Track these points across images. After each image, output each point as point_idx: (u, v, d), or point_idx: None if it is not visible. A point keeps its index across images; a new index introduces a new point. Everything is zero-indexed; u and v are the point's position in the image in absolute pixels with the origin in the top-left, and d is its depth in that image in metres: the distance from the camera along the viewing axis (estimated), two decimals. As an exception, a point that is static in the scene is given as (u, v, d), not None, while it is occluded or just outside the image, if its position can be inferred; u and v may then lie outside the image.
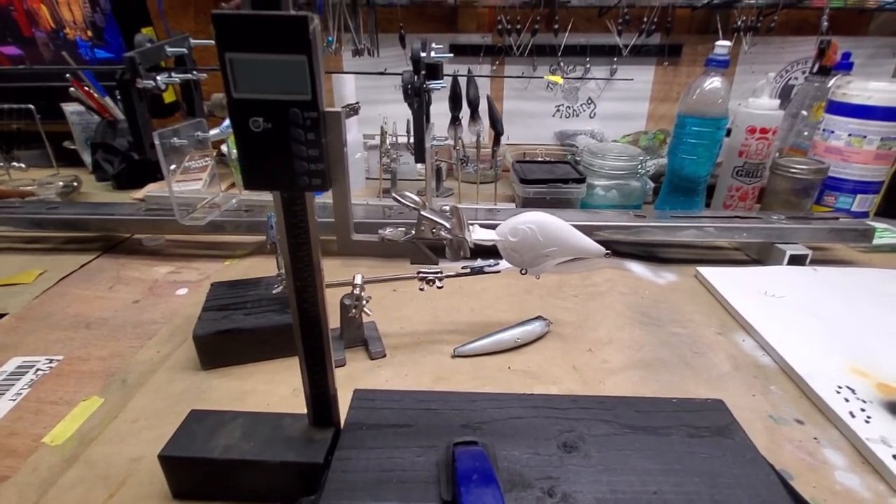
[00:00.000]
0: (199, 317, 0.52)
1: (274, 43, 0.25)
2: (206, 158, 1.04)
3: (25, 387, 0.50)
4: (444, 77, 0.67)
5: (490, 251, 0.46)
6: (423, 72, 0.64)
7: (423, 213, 0.37)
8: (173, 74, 0.65)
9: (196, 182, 1.00)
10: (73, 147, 1.15)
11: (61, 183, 0.98)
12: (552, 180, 0.87)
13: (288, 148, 0.27)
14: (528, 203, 0.88)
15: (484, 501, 0.27)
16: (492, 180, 1.00)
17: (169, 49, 0.64)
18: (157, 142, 0.61)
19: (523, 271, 0.43)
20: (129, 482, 0.39)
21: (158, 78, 0.63)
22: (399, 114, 0.95)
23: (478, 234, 0.40)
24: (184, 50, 0.66)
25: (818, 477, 0.40)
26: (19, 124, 1.14)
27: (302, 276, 0.32)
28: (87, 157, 1.14)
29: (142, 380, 0.50)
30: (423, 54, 0.64)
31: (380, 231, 0.37)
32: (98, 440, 0.43)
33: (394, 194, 0.35)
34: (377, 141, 0.99)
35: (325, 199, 0.30)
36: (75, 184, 1.00)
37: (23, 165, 1.15)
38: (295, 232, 0.31)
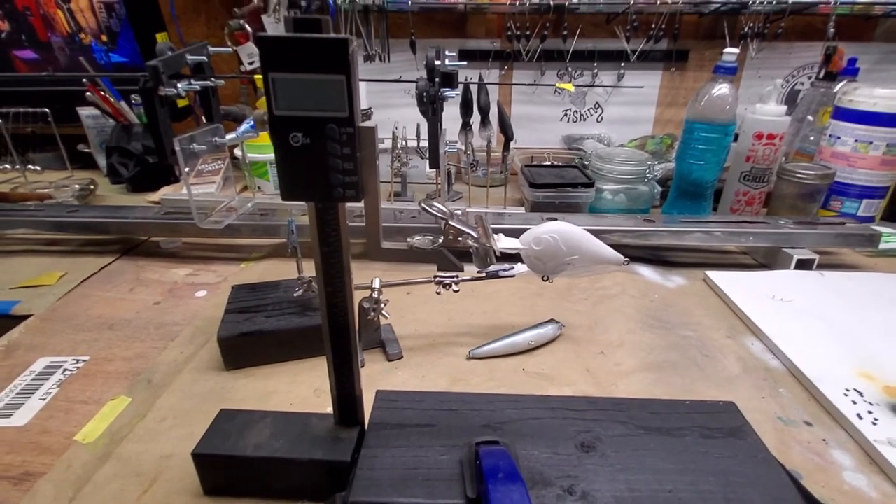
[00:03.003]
0: (223, 319, 0.54)
1: (315, 64, 0.26)
2: (219, 162, 1.06)
3: (54, 386, 0.51)
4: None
5: (506, 256, 0.47)
6: (438, 80, 0.65)
7: (450, 222, 0.38)
8: (193, 82, 0.67)
9: (209, 185, 1.02)
10: (87, 150, 1.17)
11: (78, 186, 1.00)
12: (561, 184, 0.88)
13: (325, 161, 0.29)
14: (538, 207, 0.89)
15: (511, 498, 0.28)
16: (500, 184, 1.02)
17: (189, 57, 0.66)
18: (177, 148, 0.63)
19: (545, 278, 0.44)
20: (161, 479, 0.40)
21: (179, 85, 0.64)
22: (408, 118, 0.96)
23: (503, 243, 0.42)
24: (203, 58, 0.68)
25: (827, 477, 0.41)
26: (34, 127, 1.16)
27: (333, 281, 0.34)
28: (101, 160, 1.16)
29: (167, 380, 0.52)
30: (437, 62, 0.65)
31: (408, 239, 0.39)
32: (129, 438, 0.44)
33: (422, 204, 0.36)
34: (386, 145, 1.00)
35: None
36: (92, 186, 1.02)
37: (38, 168, 1.16)
38: (328, 240, 0.32)
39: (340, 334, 0.36)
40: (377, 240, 0.35)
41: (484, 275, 0.55)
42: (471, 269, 0.51)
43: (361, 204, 0.34)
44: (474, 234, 0.39)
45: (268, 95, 0.27)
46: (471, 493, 0.32)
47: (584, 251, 0.43)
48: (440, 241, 0.39)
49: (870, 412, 0.46)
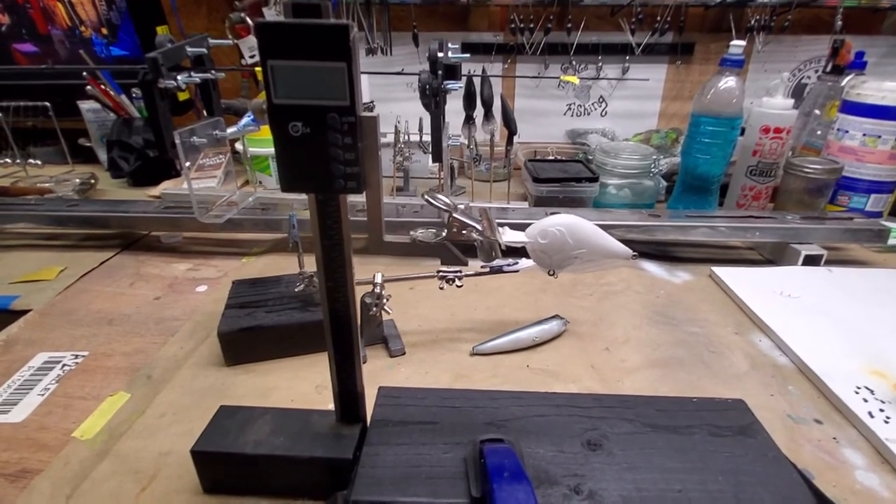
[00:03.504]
0: (223, 314, 0.53)
1: (315, 50, 0.25)
2: (220, 156, 1.05)
3: (53, 382, 0.51)
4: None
5: (511, 250, 0.47)
6: (441, 72, 0.64)
7: (454, 215, 0.37)
8: (193, 74, 0.66)
9: (210, 179, 1.01)
10: (88, 144, 1.16)
11: (78, 180, 0.99)
12: (565, 179, 0.87)
13: (325, 152, 0.28)
14: (541, 202, 0.88)
15: (516, 497, 0.28)
16: (503, 178, 1.01)
17: (189, 49, 0.65)
18: (177, 141, 0.62)
19: (551, 272, 0.44)
20: (159, 476, 0.40)
21: (179, 77, 0.64)
22: (411, 112, 0.95)
23: (508, 236, 0.41)
24: (203, 50, 0.67)
25: (838, 476, 0.40)
26: (34, 121, 1.15)
27: (334, 275, 0.33)
28: (102, 154, 1.15)
29: (167, 376, 0.51)
30: (440, 55, 0.64)
31: (411, 232, 0.38)
32: (127, 434, 0.44)
33: (426, 196, 0.36)
34: (388, 139, 0.99)
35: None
36: (92, 181, 1.02)
37: (38, 162, 1.16)
38: (329, 233, 0.31)
39: (342, 330, 0.35)
40: (379, 234, 0.34)
41: (488, 269, 0.55)
42: (475, 264, 0.50)
43: (363, 198, 0.33)
44: (479, 227, 0.38)
45: (266, 83, 0.26)
46: (475, 491, 0.32)
47: (591, 245, 0.42)
48: (444, 234, 0.38)
49: (881, 410, 0.45)
